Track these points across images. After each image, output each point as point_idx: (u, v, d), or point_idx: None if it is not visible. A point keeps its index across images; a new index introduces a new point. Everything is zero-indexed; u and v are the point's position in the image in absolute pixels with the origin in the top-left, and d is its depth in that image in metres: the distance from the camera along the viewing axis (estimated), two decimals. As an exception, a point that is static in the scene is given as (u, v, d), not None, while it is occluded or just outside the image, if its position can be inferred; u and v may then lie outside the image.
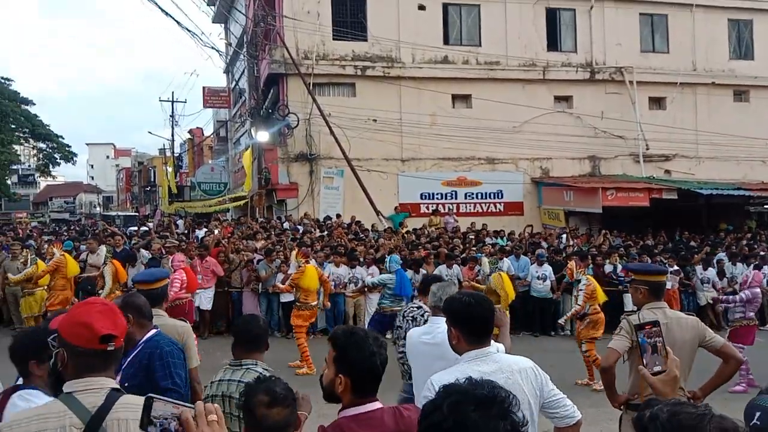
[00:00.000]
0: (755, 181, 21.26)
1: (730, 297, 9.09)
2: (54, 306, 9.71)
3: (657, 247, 15.15)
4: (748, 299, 8.63)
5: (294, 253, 10.76)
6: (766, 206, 22.15)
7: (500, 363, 2.75)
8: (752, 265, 12.74)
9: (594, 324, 8.92)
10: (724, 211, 20.57)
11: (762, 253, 14.65)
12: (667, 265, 11.91)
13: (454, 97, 20.37)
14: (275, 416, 2.35)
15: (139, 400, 2.09)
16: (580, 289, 9.17)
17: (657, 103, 21.98)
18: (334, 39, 19.61)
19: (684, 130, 21.20)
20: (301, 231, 15.38)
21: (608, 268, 12.74)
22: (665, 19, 22.02)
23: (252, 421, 2.38)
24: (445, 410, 1.45)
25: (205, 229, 16.40)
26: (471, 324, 2.77)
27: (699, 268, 13.51)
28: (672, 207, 18.34)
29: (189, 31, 25.62)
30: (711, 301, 13.01)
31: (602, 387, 8.23)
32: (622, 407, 4.18)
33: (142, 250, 12.45)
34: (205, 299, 11.62)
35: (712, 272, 13.39)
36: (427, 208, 19.84)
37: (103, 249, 11.83)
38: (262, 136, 19.81)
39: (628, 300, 12.33)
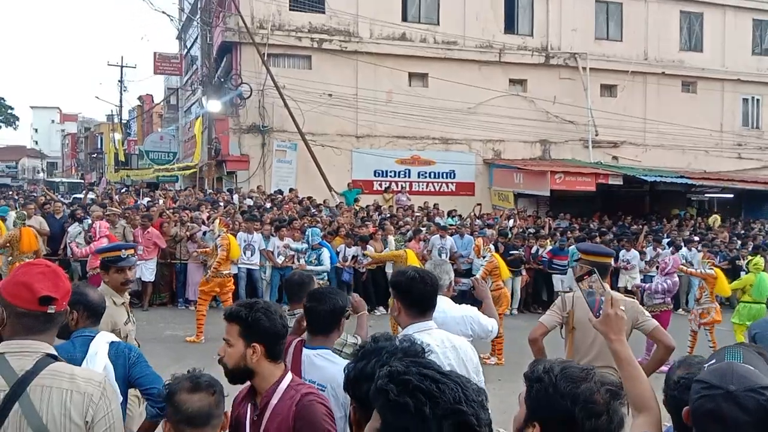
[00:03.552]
0: (698, 170, 21.93)
1: (648, 285, 9.25)
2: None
3: (600, 230, 15.45)
4: (669, 289, 8.82)
5: (216, 222, 10.68)
6: (706, 195, 22.99)
7: (438, 339, 2.81)
8: (669, 250, 13.15)
9: (495, 300, 9.04)
10: (667, 198, 21.20)
11: (695, 238, 15.11)
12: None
13: (411, 75, 20.25)
14: (196, 403, 2.18)
15: (70, 369, 2.04)
16: (481, 264, 9.61)
17: (608, 90, 22.36)
18: (290, 9, 19.20)
19: (633, 118, 21.67)
20: (248, 204, 15.14)
21: (534, 249, 13.22)
22: (620, 8, 22.32)
23: (171, 409, 2.21)
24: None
25: (147, 199, 15.93)
26: (411, 298, 2.85)
27: (622, 251, 13.37)
28: (617, 192, 18.83)
29: (140, -7, 24.55)
30: (632, 287, 13.21)
31: (492, 362, 8.58)
32: None
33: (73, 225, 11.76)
34: (147, 270, 11.40)
35: (634, 254, 13.33)
36: (380, 185, 19.80)
37: (12, 215, 11.67)
38: (214, 105, 19.37)
39: (557, 281, 12.74)
